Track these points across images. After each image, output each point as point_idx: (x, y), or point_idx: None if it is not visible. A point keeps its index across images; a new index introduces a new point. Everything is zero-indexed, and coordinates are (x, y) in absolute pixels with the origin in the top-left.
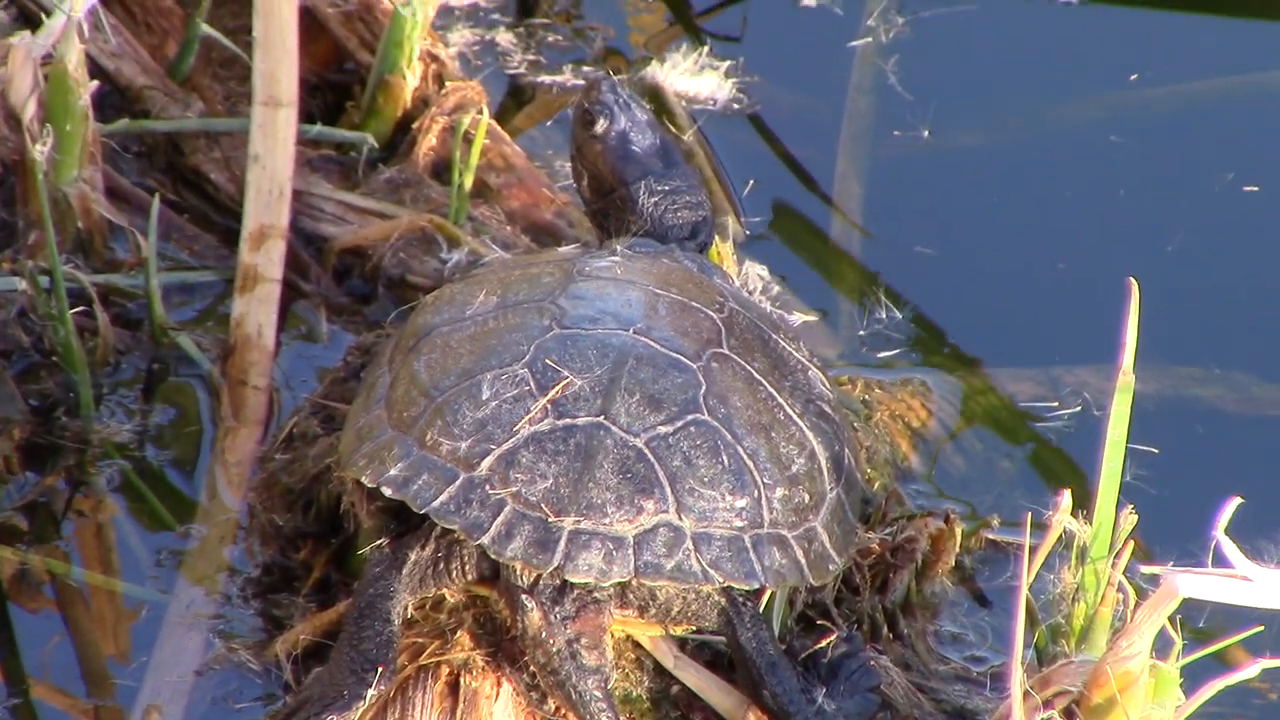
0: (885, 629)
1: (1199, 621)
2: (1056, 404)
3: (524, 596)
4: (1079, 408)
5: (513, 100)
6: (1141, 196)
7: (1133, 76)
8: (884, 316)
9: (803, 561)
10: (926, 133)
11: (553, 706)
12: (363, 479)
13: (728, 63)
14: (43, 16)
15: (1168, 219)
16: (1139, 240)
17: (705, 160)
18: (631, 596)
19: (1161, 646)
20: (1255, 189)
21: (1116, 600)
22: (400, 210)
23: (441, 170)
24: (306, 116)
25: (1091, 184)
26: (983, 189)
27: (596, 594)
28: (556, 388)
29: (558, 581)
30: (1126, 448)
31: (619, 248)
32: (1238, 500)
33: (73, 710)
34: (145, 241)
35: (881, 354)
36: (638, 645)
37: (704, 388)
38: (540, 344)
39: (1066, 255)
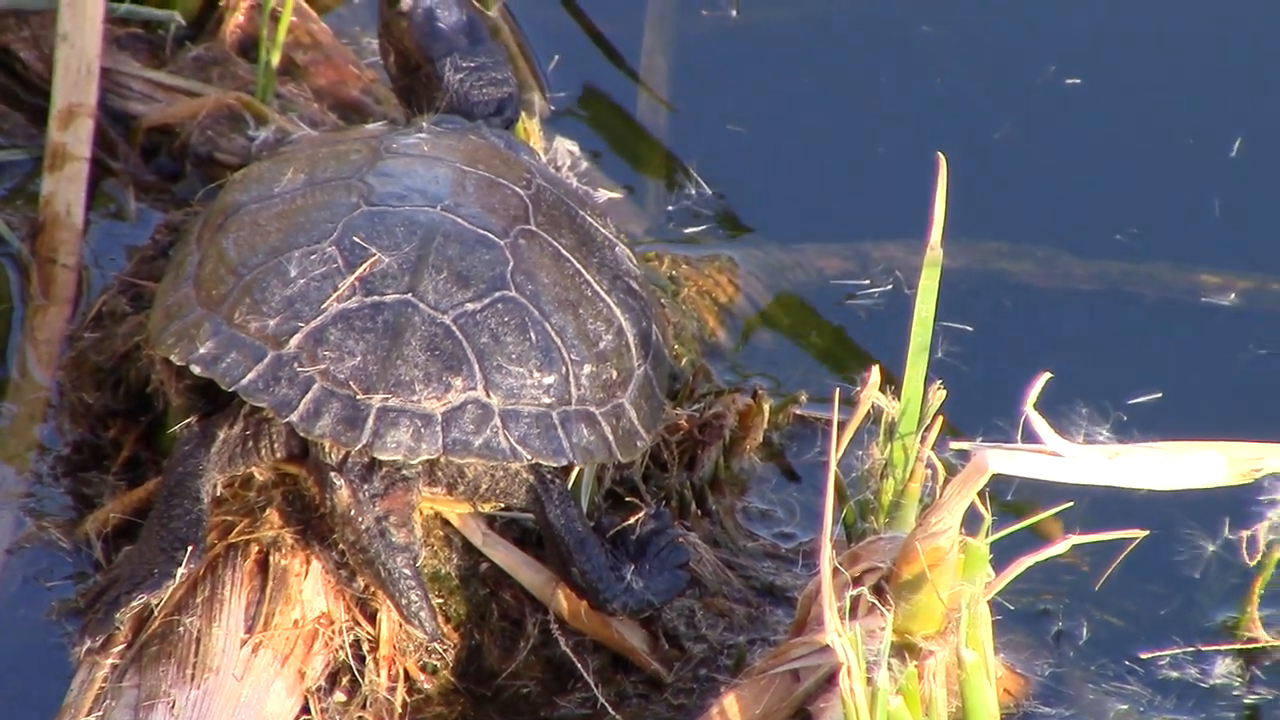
0: (693, 506)
1: (1008, 496)
2: (867, 281)
3: (332, 474)
4: (890, 286)
5: None
6: (959, 83)
7: None
8: (692, 193)
9: (611, 438)
10: (734, 11)
11: (362, 584)
12: (172, 357)
13: None
14: None
15: (987, 107)
16: (958, 126)
17: (511, 36)
18: (440, 474)
19: (971, 522)
20: (1077, 81)
21: (926, 476)
22: (208, 88)
23: (249, 48)
24: None
25: (904, 66)
26: (793, 68)
27: (405, 471)
28: (364, 265)
29: (366, 459)
30: (938, 324)
31: (426, 125)
32: (1047, 375)
33: None
34: None
35: (689, 230)
36: (446, 523)
37: (511, 264)
38: (348, 221)
39: (879, 137)
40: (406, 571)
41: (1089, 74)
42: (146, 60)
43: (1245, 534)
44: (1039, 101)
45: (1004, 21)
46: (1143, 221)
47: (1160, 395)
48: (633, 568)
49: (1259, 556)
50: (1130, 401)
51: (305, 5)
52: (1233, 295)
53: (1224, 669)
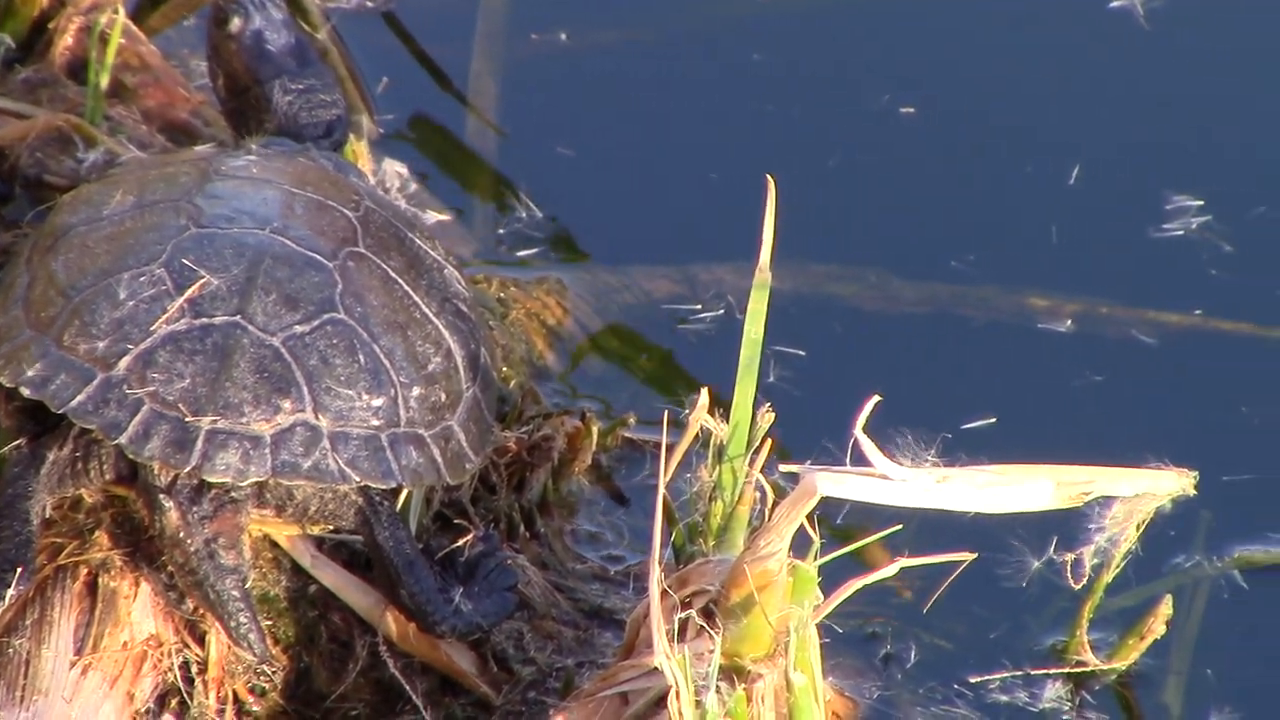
0: (522, 528)
1: (837, 520)
2: (698, 306)
3: (161, 496)
4: (721, 310)
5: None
6: (791, 110)
7: None
8: (522, 216)
9: (439, 460)
10: (564, 35)
11: (191, 606)
12: (0, 379)
13: None
14: None
15: (820, 134)
16: (790, 152)
17: (340, 59)
18: (269, 496)
19: (800, 545)
20: (911, 110)
21: (755, 499)
22: (37, 110)
23: (78, 70)
24: None
25: (736, 93)
26: (623, 92)
27: (234, 493)
28: (193, 287)
29: (195, 481)
30: (769, 348)
31: (255, 147)
32: (876, 398)
33: None
34: None
35: (518, 252)
36: (275, 545)
37: (340, 287)
38: (177, 243)
39: (710, 161)
40: (235, 593)
41: (923, 103)
42: None
43: (1070, 557)
44: (873, 129)
45: (837, 50)
46: (980, 249)
47: (994, 420)
48: (461, 590)
49: (1084, 581)
50: (964, 426)
51: (134, 28)
52: (1069, 321)
53: (1053, 693)
